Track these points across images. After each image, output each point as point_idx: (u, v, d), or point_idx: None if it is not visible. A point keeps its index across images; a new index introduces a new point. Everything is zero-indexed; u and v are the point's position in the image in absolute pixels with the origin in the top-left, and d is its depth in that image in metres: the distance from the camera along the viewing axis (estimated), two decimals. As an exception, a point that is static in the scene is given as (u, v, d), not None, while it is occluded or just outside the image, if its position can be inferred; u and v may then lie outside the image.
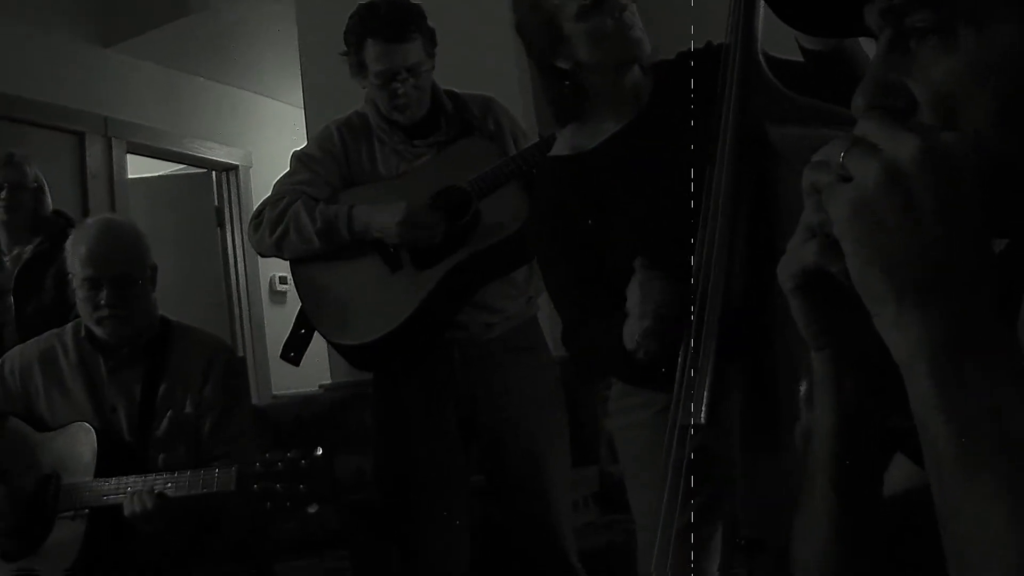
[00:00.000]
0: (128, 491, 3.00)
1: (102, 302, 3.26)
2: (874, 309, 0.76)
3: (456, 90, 3.74)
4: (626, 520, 4.27)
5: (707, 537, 2.45)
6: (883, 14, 0.87)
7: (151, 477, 3.02)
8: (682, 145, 2.25)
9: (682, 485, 2.26)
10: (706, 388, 2.19)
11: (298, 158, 3.72)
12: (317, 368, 5.63)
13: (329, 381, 5.89)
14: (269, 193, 3.69)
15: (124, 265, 3.31)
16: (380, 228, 3.42)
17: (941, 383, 0.72)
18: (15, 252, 4.65)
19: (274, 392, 7.92)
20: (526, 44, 2.73)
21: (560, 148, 2.73)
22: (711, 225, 2.19)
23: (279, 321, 7.46)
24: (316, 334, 3.62)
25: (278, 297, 8.55)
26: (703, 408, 2.19)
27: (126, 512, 2.96)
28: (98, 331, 3.33)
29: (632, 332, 2.29)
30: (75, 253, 3.32)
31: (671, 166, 2.30)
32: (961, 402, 0.70)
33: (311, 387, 6.31)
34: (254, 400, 6.40)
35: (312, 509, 2.83)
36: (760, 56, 2.26)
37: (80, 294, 3.33)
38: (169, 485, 2.98)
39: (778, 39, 2.17)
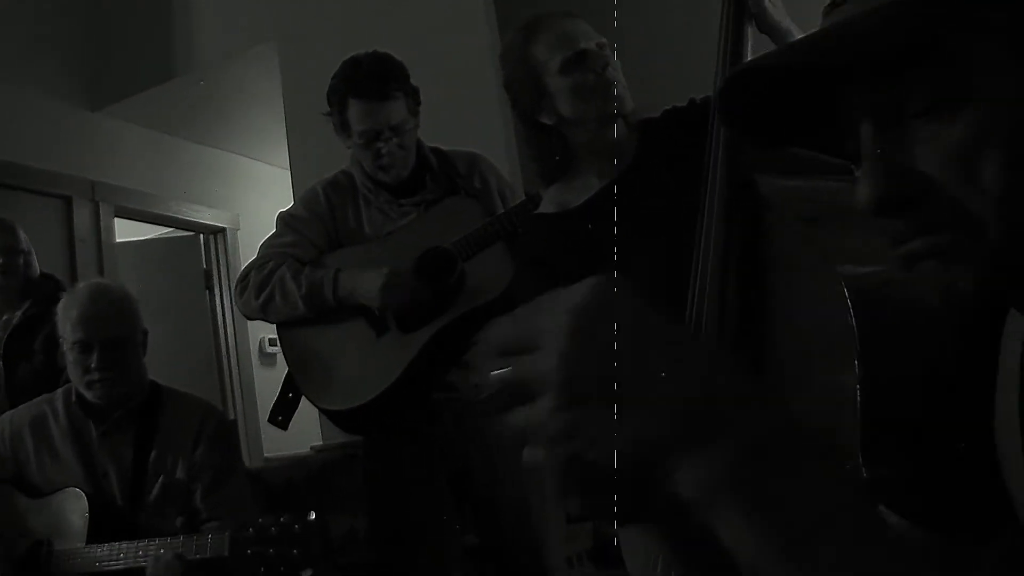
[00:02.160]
0: (139, 560, 2.99)
1: (92, 365, 3.26)
2: None
3: (442, 147, 3.74)
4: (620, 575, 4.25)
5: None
6: (869, 98, 0.86)
7: (144, 543, 3.00)
8: (669, 201, 2.27)
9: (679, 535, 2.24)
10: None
11: (284, 219, 3.72)
12: (308, 430, 5.60)
13: (320, 443, 5.86)
14: (253, 257, 3.69)
15: (115, 329, 3.31)
16: (364, 293, 3.41)
17: None
18: (5, 317, 4.64)
19: (266, 455, 7.88)
20: (512, 99, 2.74)
21: (546, 206, 2.73)
22: (701, 279, 2.19)
23: (269, 383, 7.42)
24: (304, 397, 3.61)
25: (268, 359, 8.52)
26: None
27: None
28: (88, 395, 3.33)
29: None
30: (66, 317, 3.32)
31: (658, 222, 2.29)
32: None
33: (303, 449, 6.28)
34: (246, 463, 6.37)
35: (306, 574, 2.82)
36: None
37: (70, 357, 3.32)
38: (163, 551, 2.96)
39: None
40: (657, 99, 2.64)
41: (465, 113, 5.05)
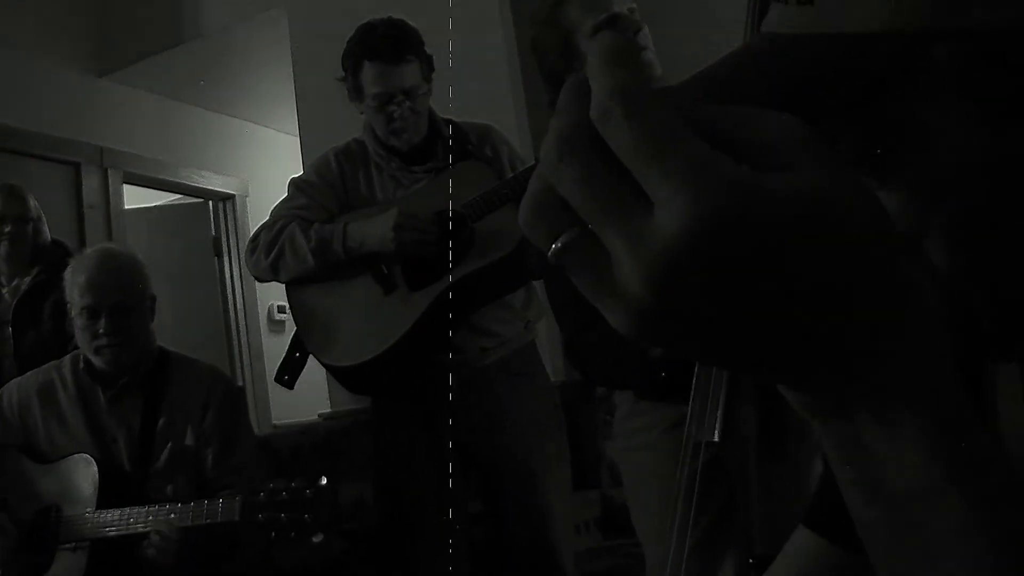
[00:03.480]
0: (148, 525, 3.00)
1: (100, 331, 3.26)
2: None
3: (454, 119, 3.74)
4: (629, 544, 4.27)
5: (719, 555, 2.44)
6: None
7: (154, 508, 3.01)
8: None
9: (695, 502, 2.25)
10: (720, 404, 2.18)
11: (295, 184, 3.72)
12: (316, 397, 5.62)
13: (328, 410, 5.87)
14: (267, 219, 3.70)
15: (123, 294, 3.31)
16: (375, 238, 3.41)
17: None
18: (14, 283, 4.65)
19: (274, 421, 7.91)
20: (539, 59, 2.74)
21: None
22: None
23: (278, 350, 7.44)
24: (312, 361, 3.61)
25: (276, 326, 8.53)
26: (717, 425, 2.18)
27: (146, 549, 2.97)
28: (96, 361, 3.33)
29: None
30: (74, 282, 3.32)
31: None
32: None
33: (311, 416, 6.29)
34: (254, 429, 6.39)
35: (317, 539, 2.82)
36: None
37: (78, 323, 3.32)
38: (173, 516, 2.97)
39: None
40: (684, 65, 2.63)
41: (477, 86, 5.04)
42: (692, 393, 2.26)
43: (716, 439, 2.22)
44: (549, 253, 0.54)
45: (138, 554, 3.01)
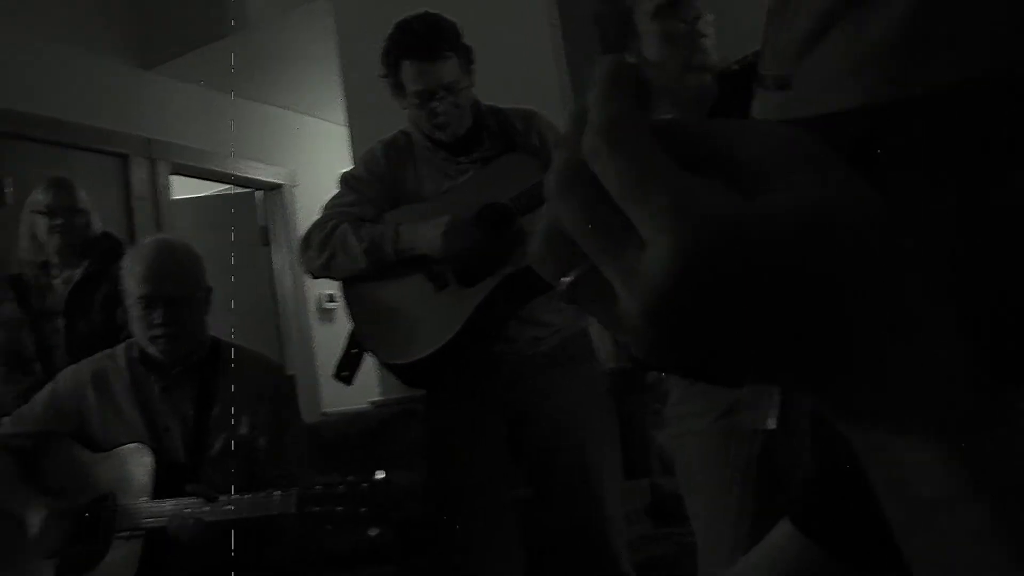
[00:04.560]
0: (173, 514, 3.02)
1: (156, 321, 3.27)
2: None
3: (499, 105, 3.74)
4: (679, 533, 4.26)
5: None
6: None
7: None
8: None
9: (749, 490, 2.24)
10: (776, 391, 2.17)
11: (344, 180, 3.75)
12: (367, 385, 5.63)
13: (379, 397, 5.88)
14: (316, 212, 3.71)
15: (179, 285, 3.33)
16: (425, 244, 3.42)
17: None
18: (65, 274, 4.68)
19: (323, 409, 7.93)
20: (600, 35, 2.74)
21: None
22: None
23: (328, 339, 7.50)
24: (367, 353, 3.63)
25: (326, 315, 8.57)
26: (773, 412, 2.17)
27: (170, 534, 2.99)
28: (151, 350, 3.35)
29: None
30: (130, 272, 3.34)
31: None
32: None
33: (361, 404, 6.31)
34: (304, 418, 6.41)
35: (373, 532, 2.83)
36: None
37: (134, 313, 3.34)
38: (229, 507, 2.98)
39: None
40: (740, 51, 2.63)
41: (522, 72, 5.04)
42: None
43: (771, 427, 2.21)
44: (559, 289, 0.55)
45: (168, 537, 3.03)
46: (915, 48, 0.65)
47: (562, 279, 0.55)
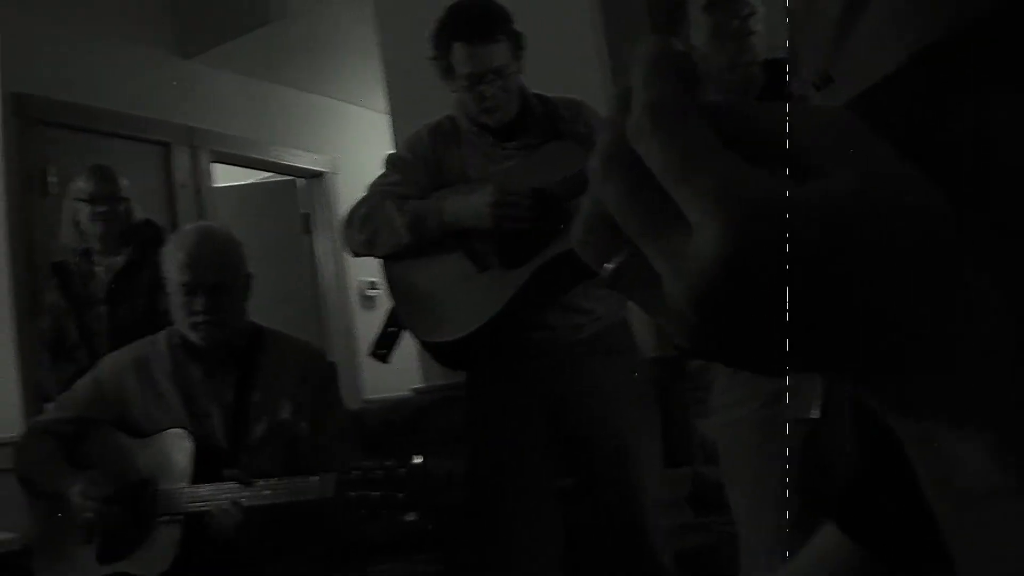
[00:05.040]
0: (212, 502, 3.03)
1: (197, 308, 3.28)
2: None
3: (546, 94, 3.73)
4: (720, 522, 4.24)
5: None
6: None
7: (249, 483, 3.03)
8: None
9: (792, 479, 2.23)
10: (820, 380, 2.16)
11: (389, 161, 3.74)
12: (408, 371, 5.64)
13: (420, 384, 5.89)
14: (359, 196, 3.71)
15: (220, 272, 3.33)
16: (471, 213, 3.41)
17: None
18: (107, 262, 4.70)
19: (365, 396, 7.95)
20: (651, 19, 2.74)
21: None
22: None
23: (369, 326, 7.49)
24: (406, 336, 3.62)
25: (368, 302, 8.58)
26: (817, 401, 2.16)
27: (212, 522, 2.99)
28: (192, 337, 3.35)
29: None
30: (172, 259, 3.34)
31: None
32: None
33: (402, 391, 6.32)
34: (345, 404, 6.42)
35: (410, 517, 2.83)
36: None
37: (175, 300, 3.35)
38: (267, 492, 2.98)
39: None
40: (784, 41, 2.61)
41: (568, 62, 5.03)
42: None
43: (815, 416, 2.20)
44: (601, 274, 0.54)
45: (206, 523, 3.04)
46: None
47: (605, 265, 0.54)
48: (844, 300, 0.48)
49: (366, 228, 3.56)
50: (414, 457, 2.86)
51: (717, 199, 0.47)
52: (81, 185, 4.75)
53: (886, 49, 0.65)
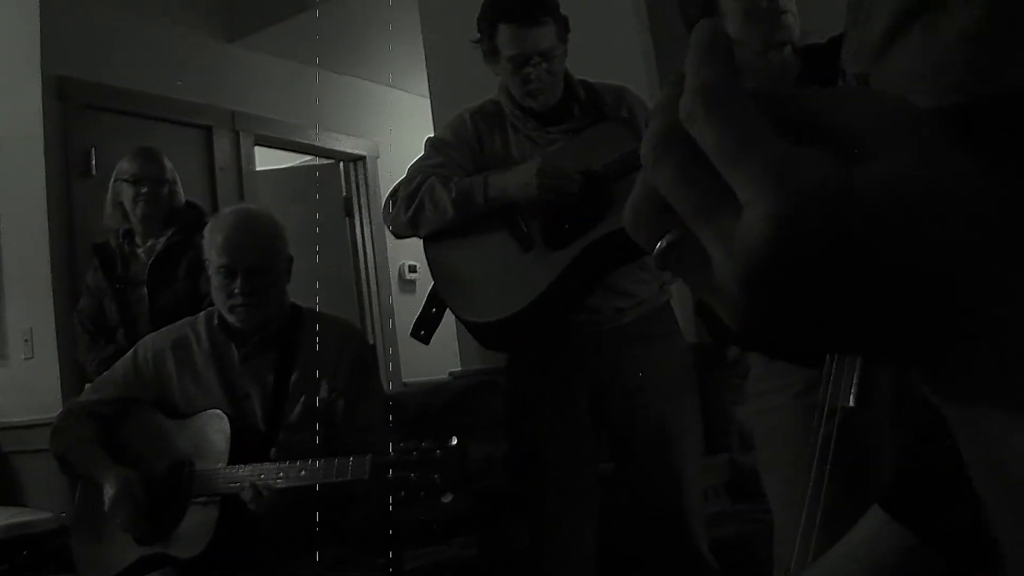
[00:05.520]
0: (247, 484, 3.04)
1: (236, 290, 3.29)
2: None
3: (590, 80, 3.72)
4: (757, 510, 4.22)
5: (851, 522, 2.40)
6: None
7: (285, 464, 3.03)
8: None
9: (827, 468, 2.22)
10: (857, 368, 2.15)
11: (431, 143, 3.74)
12: (447, 356, 5.64)
13: (459, 368, 5.89)
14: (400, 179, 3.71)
15: (259, 255, 3.34)
16: (517, 186, 3.40)
17: None
18: (149, 244, 4.73)
19: (404, 380, 7.97)
20: (681, 12, 2.73)
21: None
22: None
23: (409, 309, 7.50)
24: (444, 320, 3.62)
25: (407, 286, 8.60)
26: (853, 390, 2.15)
27: (249, 503, 3.00)
28: (231, 319, 3.36)
29: None
30: (212, 242, 3.35)
31: None
32: None
33: (440, 375, 6.32)
34: (384, 388, 6.43)
35: (446, 499, 2.83)
36: None
37: (215, 282, 3.36)
38: (303, 473, 2.99)
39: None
40: (824, 25, 2.61)
41: (610, 49, 5.01)
42: (828, 356, 2.22)
43: (851, 404, 2.19)
44: (652, 255, 0.54)
45: (243, 504, 3.05)
46: (989, 50, 0.63)
47: (656, 246, 0.54)
48: (895, 285, 0.48)
49: (410, 207, 3.55)
50: (450, 439, 2.86)
51: (770, 180, 0.48)
52: (126, 166, 4.77)
53: (913, 91, 0.64)
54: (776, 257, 0.47)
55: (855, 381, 2.15)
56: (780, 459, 2.65)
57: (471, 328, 3.57)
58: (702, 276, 0.52)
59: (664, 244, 0.53)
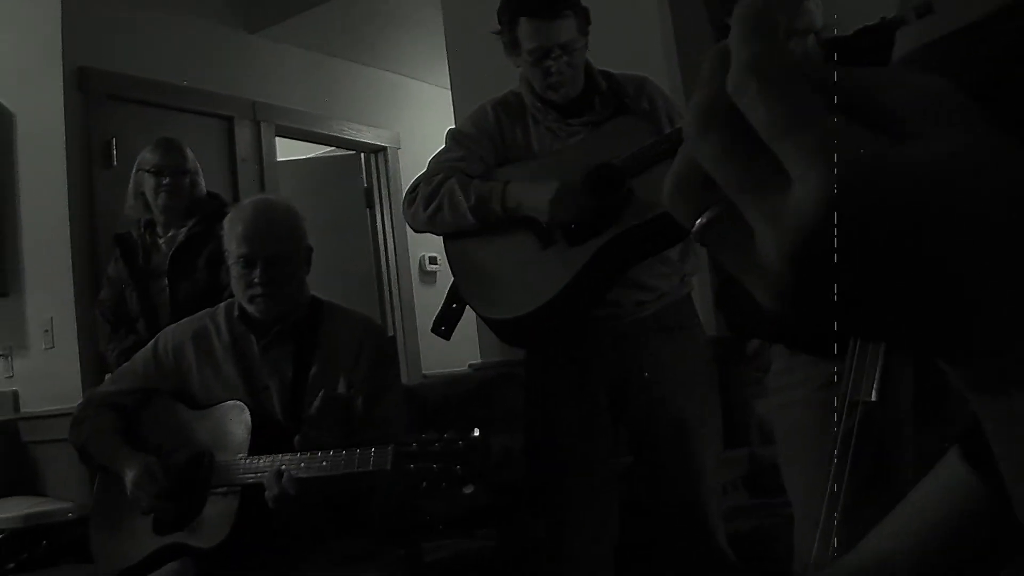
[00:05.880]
0: (300, 472, 3.03)
1: (255, 280, 3.28)
2: None
3: (611, 71, 3.71)
4: (776, 504, 4.21)
5: (871, 517, 2.39)
6: None
7: (306, 456, 3.03)
8: None
9: (848, 463, 2.21)
10: (879, 363, 2.14)
11: (452, 136, 3.73)
12: (467, 348, 5.64)
13: (478, 360, 5.89)
14: (421, 171, 3.70)
15: (279, 245, 3.33)
16: (532, 206, 3.39)
17: None
18: (170, 234, 4.73)
19: (424, 371, 7.98)
20: (705, 3, 2.73)
21: None
22: None
23: (429, 301, 7.51)
24: (466, 311, 3.62)
25: (428, 277, 8.61)
26: (875, 384, 2.14)
27: (267, 494, 3.00)
28: (250, 309, 3.36)
29: None
30: (231, 232, 3.35)
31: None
32: None
33: (460, 367, 6.32)
34: (404, 380, 6.44)
35: (468, 490, 2.82)
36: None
37: (234, 272, 3.36)
38: (325, 463, 2.99)
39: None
40: (850, 18, 2.60)
41: (629, 38, 5.00)
42: (849, 349, 2.21)
43: (873, 399, 2.18)
44: (692, 230, 0.54)
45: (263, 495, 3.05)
46: None
47: (697, 221, 0.53)
48: (939, 268, 0.48)
49: (429, 206, 3.55)
50: (472, 430, 2.86)
51: (819, 154, 0.47)
52: (148, 157, 4.78)
53: None
54: (825, 230, 0.47)
55: (877, 375, 2.14)
56: (801, 453, 2.64)
57: (491, 324, 3.56)
58: (742, 254, 0.52)
59: (705, 220, 0.53)
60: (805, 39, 2.58)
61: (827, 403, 2.41)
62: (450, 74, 6.25)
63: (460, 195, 3.48)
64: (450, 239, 3.61)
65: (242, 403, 3.25)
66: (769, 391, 2.85)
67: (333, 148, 8.71)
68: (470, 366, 6.04)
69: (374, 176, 8.64)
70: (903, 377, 2.19)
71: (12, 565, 4.92)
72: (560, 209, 3.35)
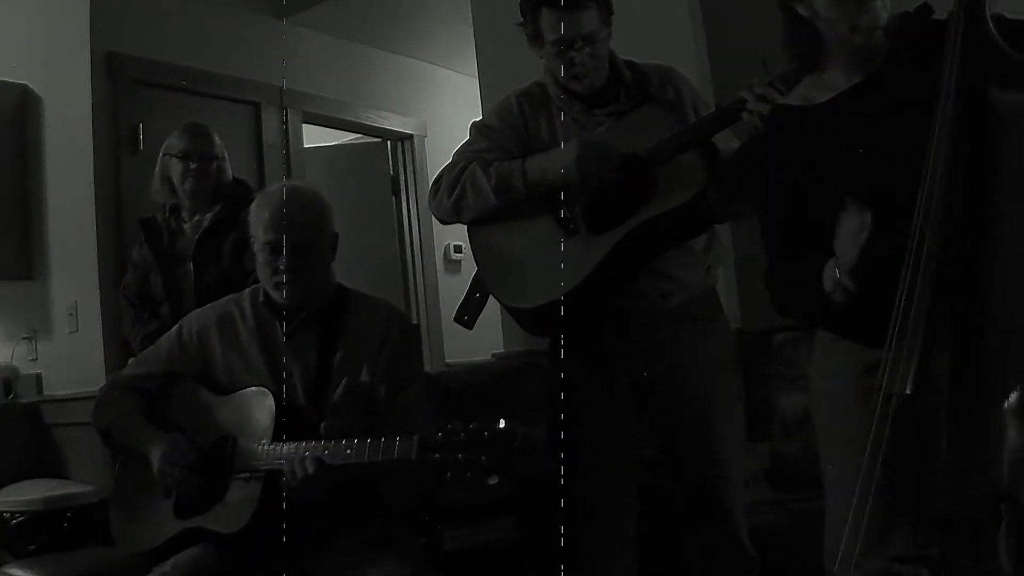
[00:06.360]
0: (289, 457, 3.04)
1: (281, 267, 3.28)
2: None
3: (635, 60, 3.69)
4: (798, 499, 4.20)
5: (903, 510, 2.38)
6: None
7: (331, 443, 3.03)
8: (910, 109, 2.36)
9: (881, 454, 2.20)
10: (916, 355, 2.14)
11: (477, 128, 3.73)
12: (490, 337, 5.63)
13: (501, 350, 5.88)
14: (447, 160, 3.70)
15: (305, 231, 3.32)
16: (556, 170, 3.40)
17: None
18: (196, 219, 4.74)
19: (447, 360, 7.98)
20: None
21: (793, 97, 2.80)
22: (929, 186, 2.18)
23: (453, 290, 7.50)
24: (490, 301, 3.61)
25: (453, 266, 8.61)
26: (910, 376, 2.14)
27: (287, 479, 3.00)
28: (275, 295, 3.36)
29: (832, 270, 2.32)
30: (258, 217, 3.35)
31: (896, 129, 2.40)
32: None
33: (483, 356, 6.32)
34: (427, 368, 6.43)
35: (492, 481, 2.81)
36: (988, 17, 2.24)
37: (260, 258, 3.35)
38: (349, 451, 2.98)
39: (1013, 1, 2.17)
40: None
41: (656, 27, 4.99)
42: (888, 340, 2.21)
43: (908, 391, 2.17)
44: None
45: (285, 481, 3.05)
46: None
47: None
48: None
49: (453, 193, 3.55)
50: (498, 421, 2.85)
51: None
52: (175, 141, 4.78)
53: None
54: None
55: (913, 368, 2.13)
56: (836, 443, 2.65)
57: (514, 314, 3.56)
58: None
59: None
60: (871, 35, 2.58)
61: (863, 393, 2.41)
62: (478, 63, 6.24)
63: (481, 177, 3.49)
64: (474, 228, 3.61)
65: (266, 389, 3.26)
66: (809, 378, 2.85)
67: (360, 135, 8.71)
68: (493, 355, 6.03)
69: (400, 164, 8.65)
70: (940, 371, 2.18)
71: (34, 547, 4.95)
72: (588, 164, 3.35)
